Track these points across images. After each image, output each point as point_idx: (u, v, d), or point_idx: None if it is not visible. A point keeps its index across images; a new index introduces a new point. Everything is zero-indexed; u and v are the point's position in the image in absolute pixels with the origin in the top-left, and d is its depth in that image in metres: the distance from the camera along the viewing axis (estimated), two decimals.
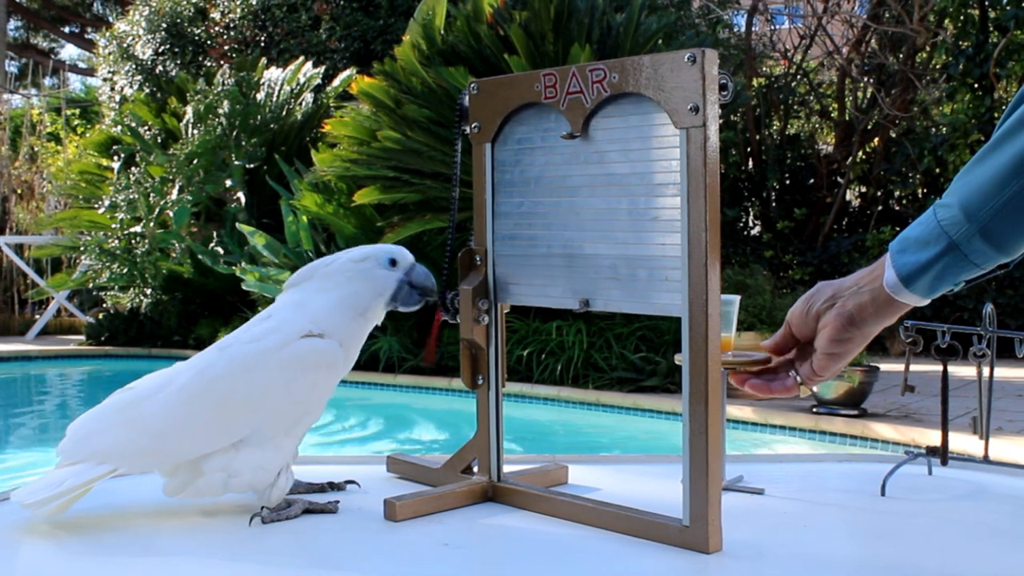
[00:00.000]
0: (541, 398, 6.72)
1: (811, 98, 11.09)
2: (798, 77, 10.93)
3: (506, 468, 1.91)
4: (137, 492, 1.98)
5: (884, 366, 5.88)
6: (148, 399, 1.73)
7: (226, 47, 11.18)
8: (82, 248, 9.88)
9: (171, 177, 9.37)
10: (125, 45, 11.78)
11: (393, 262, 1.85)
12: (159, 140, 10.08)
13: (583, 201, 1.74)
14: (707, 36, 9.87)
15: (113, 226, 9.64)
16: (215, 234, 9.52)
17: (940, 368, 2.04)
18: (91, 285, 10.35)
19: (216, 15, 11.37)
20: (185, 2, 11.61)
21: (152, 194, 9.38)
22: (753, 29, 10.75)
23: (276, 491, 1.75)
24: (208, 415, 1.70)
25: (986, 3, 8.61)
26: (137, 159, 9.97)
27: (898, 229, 9.42)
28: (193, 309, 9.95)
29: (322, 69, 9.90)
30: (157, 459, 1.73)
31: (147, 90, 11.28)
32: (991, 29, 8.59)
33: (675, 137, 1.59)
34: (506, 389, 1.91)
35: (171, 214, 9.32)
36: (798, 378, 1.41)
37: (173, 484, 1.74)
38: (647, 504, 1.69)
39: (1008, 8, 8.26)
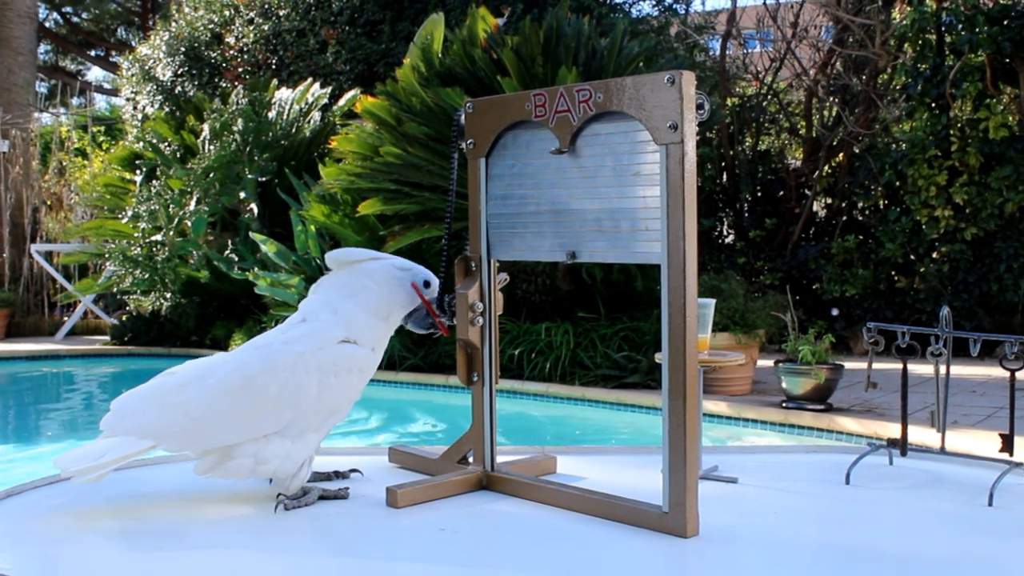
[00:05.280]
0: (531, 394, 6.71)
1: (781, 116, 11.11)
2: (769, 97, 10.95)
3: (499, 459, 1.91)
4: (162, 481, 1.97)
5: (849, 364, 5.89)
6: (190, 386, 1.72)
7: (240, 69, 11.17)
8: (107, 255, 9.84)
9: (189, 189, 9.35)
10: (147, 67, 11.77)
11: (427, 284, 1.89)
12: (178, 155, 10.06)
13: (572, 169, 1.74)
14: (685, 59, 9.86)
15: (136, 235, 9.61)
16: (230, 242, 9.50)
17: (900, 366, 2.04)
18: (115, 289, 10.31)
19: (231, 40, 11.36)
20: (202, 28, 11.60)
21: (172, 205, 9.35)
22: (727, 53, 10.76)
23: (296, 481, 1.75)
24: (245, 408, 1.69)
25: (943, 28, 8.63)
26: (158, 173, 9.94)
27: (861, 238, 9.46)
28: (209, 312, 9.94)
29: (329, 90, 9.89)
30: (194, 442, 1.72)
31: (167, 109, 11.25)
32: (947, 52, 8.62)
33: (656, 153, 1.59)
34: (499, 385, 1.91)
35: (189, 224, 9.30)
36: None
37: (205, 464, 1.73)
38: (629, 492, 1.68)
39: (963, 33, 8.28)
